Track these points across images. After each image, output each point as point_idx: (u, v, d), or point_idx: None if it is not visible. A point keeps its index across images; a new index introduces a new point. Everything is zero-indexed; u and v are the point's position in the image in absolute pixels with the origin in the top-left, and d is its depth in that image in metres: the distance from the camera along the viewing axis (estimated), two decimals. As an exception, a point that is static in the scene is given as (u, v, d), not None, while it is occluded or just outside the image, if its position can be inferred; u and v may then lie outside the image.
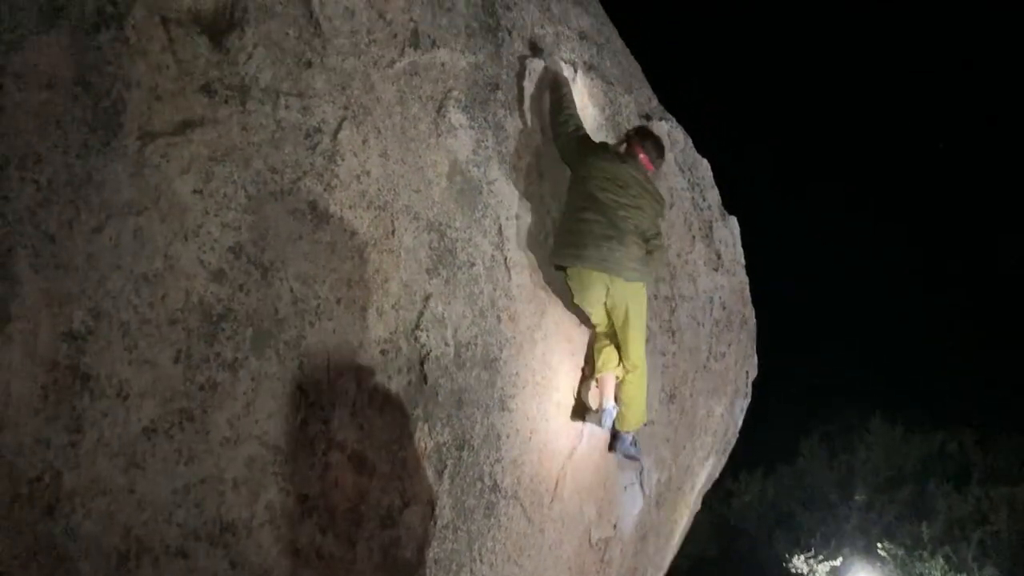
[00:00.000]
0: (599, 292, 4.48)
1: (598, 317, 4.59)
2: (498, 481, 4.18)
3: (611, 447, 4.79)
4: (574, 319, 4.69)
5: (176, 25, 3.38)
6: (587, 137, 4.69)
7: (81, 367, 2.96)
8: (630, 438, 4.78)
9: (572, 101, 4.79)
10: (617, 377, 4.65)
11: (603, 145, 4.74)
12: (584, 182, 4.52)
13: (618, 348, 4.60)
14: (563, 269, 4.55)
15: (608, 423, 4.64)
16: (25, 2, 3.06)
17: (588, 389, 4.69)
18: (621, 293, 4.48)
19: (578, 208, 4.50)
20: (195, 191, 3.28)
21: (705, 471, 6.21)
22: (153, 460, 3.07)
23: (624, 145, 4.79)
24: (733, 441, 6.61)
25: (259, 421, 3.31)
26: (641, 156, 4.71)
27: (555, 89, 4.79)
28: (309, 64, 3.69)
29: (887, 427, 17.31)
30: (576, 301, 4.57)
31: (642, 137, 4.84)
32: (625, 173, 4.54)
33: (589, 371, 4.72)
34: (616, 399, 4.64)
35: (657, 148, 4.86)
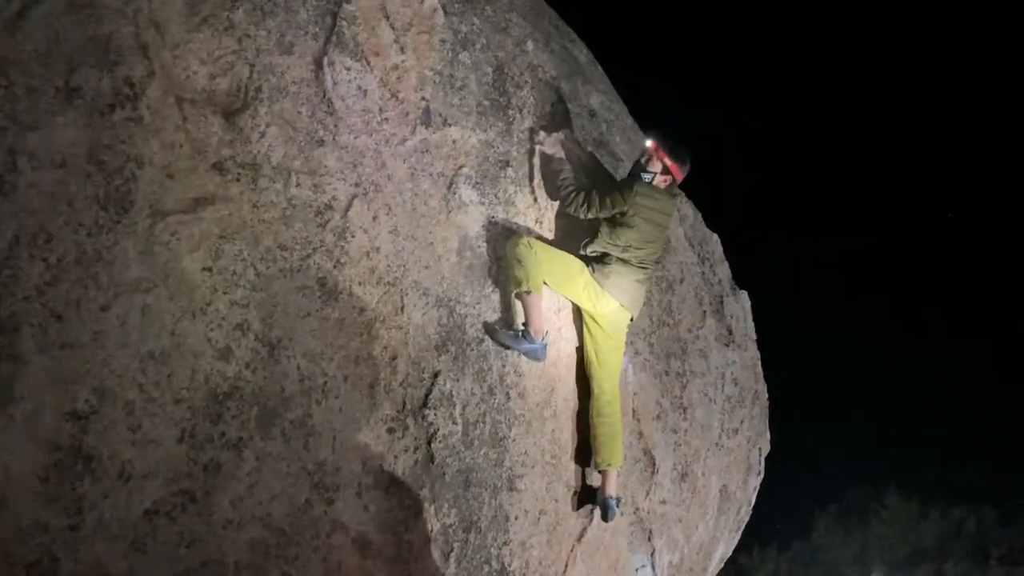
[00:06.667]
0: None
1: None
2: (506, 564, 4.07)
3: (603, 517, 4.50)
4: (584, 394, 4.62)
5: (190, 105, 3.42)
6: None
7: (84, 448, 2.92)
8: (614, 502, 4.45)
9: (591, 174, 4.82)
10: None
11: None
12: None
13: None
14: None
15: (612, 517, 4.46)
16: (41, 83, 3.11)
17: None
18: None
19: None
20: (204, 269, 3.28)
21: (718, 551, 6.05)
22: (154, 543, 3.00)
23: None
24: (747, 519, 6.46)
25: (263, 503, 3.24)
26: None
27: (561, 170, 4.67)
28: (321, 142, 3.72)
29: (903, 502, 17.03)
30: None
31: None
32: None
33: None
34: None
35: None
